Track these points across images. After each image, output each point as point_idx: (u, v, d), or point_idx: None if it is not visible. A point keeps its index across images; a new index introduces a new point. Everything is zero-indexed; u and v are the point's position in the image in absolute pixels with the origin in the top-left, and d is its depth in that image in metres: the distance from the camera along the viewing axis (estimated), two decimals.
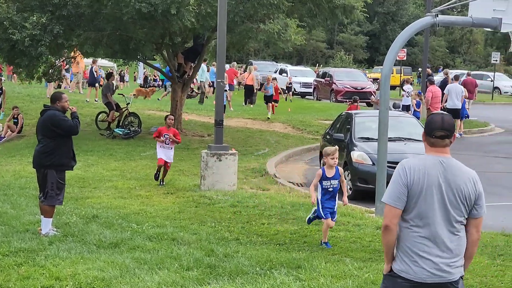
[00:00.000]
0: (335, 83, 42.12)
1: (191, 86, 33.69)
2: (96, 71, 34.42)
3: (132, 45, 22.67)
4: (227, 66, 35.67)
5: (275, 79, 35.95)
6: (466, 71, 43.77)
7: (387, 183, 5.50)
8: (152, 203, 13.35)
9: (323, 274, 8.54)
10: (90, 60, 35.52)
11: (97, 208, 12.54)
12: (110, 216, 11.80)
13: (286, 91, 42.10)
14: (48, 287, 8.02)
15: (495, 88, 51.81)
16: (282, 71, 49.05)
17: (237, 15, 20.25)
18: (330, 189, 10.36)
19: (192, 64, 24.46)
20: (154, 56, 32.55)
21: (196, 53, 24.23)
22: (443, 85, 28.71)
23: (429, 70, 34.97)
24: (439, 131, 5.13)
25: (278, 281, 8.23)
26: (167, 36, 23.07)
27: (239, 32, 21.65)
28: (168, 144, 15.07)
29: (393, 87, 47.88)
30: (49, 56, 22.85)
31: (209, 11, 19.57)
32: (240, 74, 46.93)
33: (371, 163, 15.39)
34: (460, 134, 26.70)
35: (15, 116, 25.39)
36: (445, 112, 7.30)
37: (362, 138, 16.57)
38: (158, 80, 50.39)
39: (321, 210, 10.38)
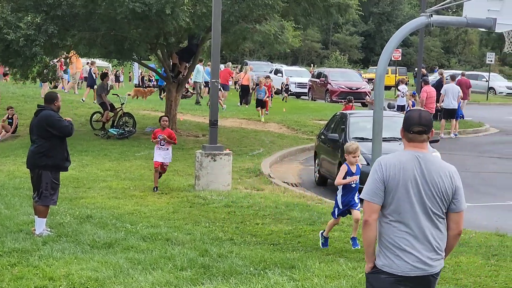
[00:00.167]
0: (330, 83, 42.12)
1: (186, 87, 33.67)
2: (95, 73, 34.30)
3: (127, 45, 22.62)
4: (222, 66, 35.66)
5: (268, 77, 35.88)
6: (460, 71, 43.79)
7: None
8: (146, 203, 13.33)
9: (317, 274, 8.55)
10: (85, 60, 35.48)
11: (91, 208, 12.53)
12: (104, 216, 11.78)
13: (284, 92, 42.08)
14: (41, 287, 8.01)
15: (490, 88, 51.91)
16: (277, 71, 49.04)
17: (232, 15, 20.24)
18: (353, 185, 10.40)
19: (187, 64, 24.44)
20: (149, 57, 32.47)
21: (190, 53, 24.21)
22: (438, 85, 28.77)
23: (424, 71, 35.00)
24: (416, 126, 5.21)
25: (272, 281, 8.23)
26: (162, 36, 23.05)
27: (234, 32, 21.63)
28: (164, 145, 14.96)
29: (388, 87, 47.99)
30: (44, 56, 22.80)
31: (204, 11, 19.55)
32: (236, 74, 46.96)
33: (365, 163, 15.35)
34: (455, 134, 26.75)
35: (10, 117, 25.33)
36: (422, 109, 7.34)
37: (356, 138, 16.54)
38: (153, 80, 50.31)
39: (337, 208, 10.36)
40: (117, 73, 52.16)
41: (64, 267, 8.65)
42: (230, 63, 45.83)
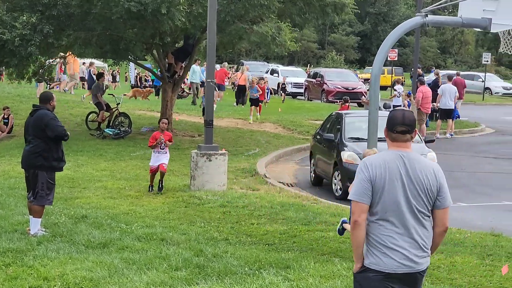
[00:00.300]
0: (326, 84, 42.11)
1: (182, 87, 33.63)
2: (94, 74, 34.25)
3: (122, 45, 22.60)
4: (218, 66, 35.63)
5: (262, 79, 35.74)
6: (455, 71, 43.78)
7: None
8: (141, 203, 13.32)
9: (312, 274, 8.55)
10: (81, 60, 35.43)
11: (86, 208, 12.51)
12: (99, 216, 11.76)
13: (281, 92, 41.95)
14: (36, 287, 7.99)
15: (486, 88, 51.94)
16: (273, 72, 49.03)
17: (228, 15, 20.24)
18: None
19: (183, 64, 24.42)
20: (145, 57, 32.45)
21: (186, 53, 24.18)
22: (434, 85, 28.79)
23: (419, 71, 35.01)
24: (400, 126, 5.31)
25: (266, 281, 8.23)
26: (157, 36, 23.02)
27: (229, 32, 21.62)
28: (163, 148, 14.60)
29: (384, 88, 47.95)
30: (39, 56, 22.79)
31: (200, 11, 19.54)
32: (233, 74, 46.90)
33: None
34: (451, 135, 26.78)
35: (6, 117, 25.30)
36: (406, 108, 7.41)
37: (352, 138, 16.56)
38: (149, 80, 50.26)
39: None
40: (114, 73, 52.11)
41: (59, 267, 8.64)
42: (226, 63, 45.73)
